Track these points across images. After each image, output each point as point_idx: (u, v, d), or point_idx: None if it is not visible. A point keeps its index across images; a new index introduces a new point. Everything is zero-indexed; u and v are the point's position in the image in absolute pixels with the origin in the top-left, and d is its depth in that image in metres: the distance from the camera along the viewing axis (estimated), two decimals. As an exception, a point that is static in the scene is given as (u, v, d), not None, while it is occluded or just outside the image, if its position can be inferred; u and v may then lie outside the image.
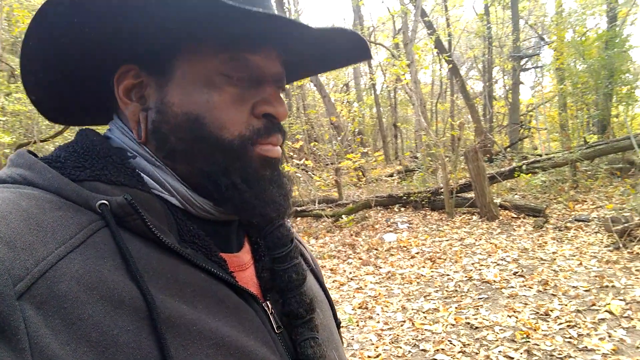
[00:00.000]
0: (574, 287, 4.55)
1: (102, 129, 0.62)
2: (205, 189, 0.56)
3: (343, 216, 8.70)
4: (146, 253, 0.48)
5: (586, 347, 3.34)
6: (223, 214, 0.59)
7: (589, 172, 9.49)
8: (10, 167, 0.53)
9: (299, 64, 0.67)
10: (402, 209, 9.21)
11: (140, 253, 0.48)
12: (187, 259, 0.51)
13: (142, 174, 0.56)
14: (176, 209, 0.56)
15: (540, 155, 10.26)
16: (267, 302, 0.59)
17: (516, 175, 8.98)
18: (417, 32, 11.25)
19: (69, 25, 0.50)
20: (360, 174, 11.78)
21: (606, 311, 3.88)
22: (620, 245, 5.45)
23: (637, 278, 4.52)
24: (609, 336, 3.45)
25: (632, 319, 3.68)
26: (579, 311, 3.97)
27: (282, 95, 0.61)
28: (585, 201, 8.02)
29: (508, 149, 13.00)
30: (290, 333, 0.59)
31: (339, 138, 10.65)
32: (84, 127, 0.60)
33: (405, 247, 6.89)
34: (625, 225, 5.63)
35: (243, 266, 0.61)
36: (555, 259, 5.47)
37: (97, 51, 0.54)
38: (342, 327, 3.65)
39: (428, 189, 9.14)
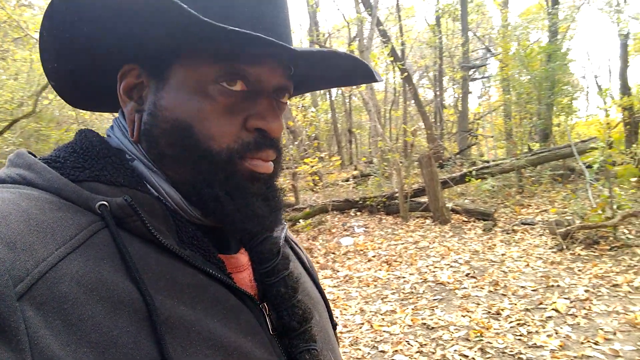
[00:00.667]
0: (522, 287, 4.76)
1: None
2: (192, 199, 0.56)
3: (300, 220, 8.70)
4: (145, 254, 0.48)
5: (535, 344, 3.51)
6: (213, 222, 0.59)
7: (533, 178, 9.98)
8: (9, 167, 0.53)
9: (307, 77, 0.66)
10: (358, 213, 9.34)
11: (139, 254, 0.48)
12: (185, 260, 0.51)
13: (141, 176, 0.56)
14: (174, 211, 0.56)
15: (489, 162, 10.71)
16: (265, 304, 0.59)
17: (467, 181, 9.32)
18: (372, 40, 11.47)
19: (69, 23, 0.50)
20: (317, 178, 11.84)
21: (553, 309, 4.09)
22: (564, 247, 5.77)
23: (580, 278, 4.80)
24: (556, 333, 3.65)
25: (576, 316, 3.90)
26: (527, 310, 4.17)
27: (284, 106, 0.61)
28: (530, 205, 8.43)
29: (457, 155, 13.46)
30: (287, 344, 0.58)
31: (295, 142, 10.66)
32: (82, 128, 0.60)
33: (362, 250, 6.98)
34: (568, 228, 5.97)
35: (240, 267, 0.61)
36: (504, 261, 5.71)
37: (99, 49, 0.54)
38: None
39: (383, 194, 9.32)
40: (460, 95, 17.01)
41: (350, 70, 0.62)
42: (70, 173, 0.52)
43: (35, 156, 0.54)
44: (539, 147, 11.19)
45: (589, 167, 7.20)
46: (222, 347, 0.48)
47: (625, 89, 13.57)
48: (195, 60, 0.53)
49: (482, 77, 20.23)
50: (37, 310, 0.39)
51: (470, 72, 17.33)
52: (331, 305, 0.75)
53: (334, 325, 0.75)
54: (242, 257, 0.63)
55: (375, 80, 0.64)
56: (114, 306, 0.43)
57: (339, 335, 4.04)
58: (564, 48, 12.87)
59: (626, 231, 5.91)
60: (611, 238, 5.72)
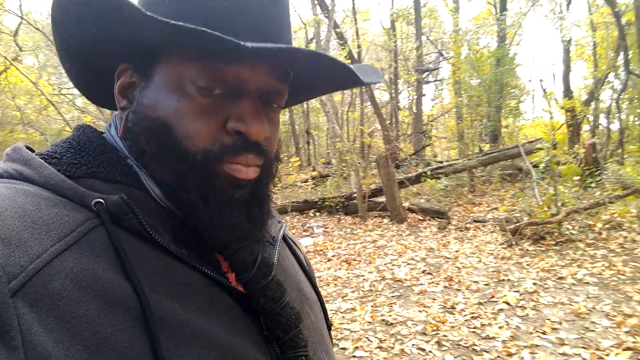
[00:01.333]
0: (475, 281, 4.96)
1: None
2: (171, 199, 0.55)
3: (259, 222, 8.66)
4: (141, 252, 0.48)
5: (488, 335, 3.67)
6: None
7: (484, 178, 10.39)
8: (6, 161, 0.53)
9: (307, 81, 0.63)
10: (317, 213, 9.41)
11: (135, 252, 0.47)
12: (181, 259, 0.51)
13: (138, 173, 0.55)
14: (169, 209, 0.55)
15: (442, 162, 11.05)
16: None
17: (422, 181, 9.59)
18: (329, 42, 11.61)
19: (63, 23, 0.51)
20: (276, 179, 11.81)
21: (504, 302, 4.29)
22: (513, 243, 6.04)
23: (528, 272, 5.05)
24: (507, 324, 3.83)
25: (525, 308, 4.11)
26: (480, 303, 4.35)
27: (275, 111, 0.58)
28: (482, 204, 8.77)
29: (413, 156, 13.79)
30: (279, 351, 0.57)
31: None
32: (81, 123, 0.60)
33: (321, 250, 7.04)
34: (517, 224, 6.25)
35: None
36: (458, 257, 5.92)
37: (90, 47, 0.55)
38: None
39: (342, 194, 9.43)
40: (415, 98, 17.43)
41: (339, 73, 0.56)
42: (67, 169, 0.51)
43: (33, 151, 0.54)
44: (489, 148, 11.67)
45: (536, 166, 7.57)
46: (216, 347, 0.48)
47: (567, 92, 14.35)
48: (176, 58, 0.52)
49: (435, 80, 20.83)
50: (31, 307, 0.39)
51: (424, 75, 17.79)
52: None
53: (329, 326, 0.74)
54: None
55: (360, 84, 0.58)
56: (108, 304, 0.42)
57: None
58: (511, 53, 13.45)
59: (570, 227, 6.25)
60: (556, 233, 6.04)
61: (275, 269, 0.61)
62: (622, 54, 11.41)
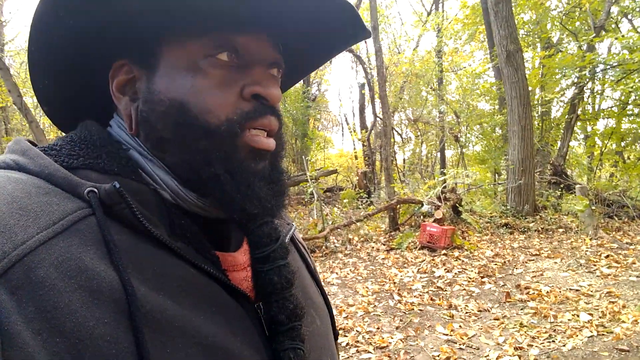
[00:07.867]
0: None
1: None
2: (190, 182, 0.54)
3: None
4: (133, 244, 0.46)
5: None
6: (213, 209, 0.56)
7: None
8: (7, 153, 0.52)
9: (302, 53, 0.65)
10: None
11: (126, 243, 0.46)
12: (177, 252, 0.49)
13: (137, 164, 0.55)
14: (169, 203, 0.54)
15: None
16: (260, 304, 0.56)
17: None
18: None
19: (56, 22, 0.51)
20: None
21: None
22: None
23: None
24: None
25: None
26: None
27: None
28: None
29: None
30: (273, 341, 0.54)
31: None
32: (87, 121, 0.59)
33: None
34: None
35: (238, 266, 0.58)
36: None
37: (89, 46, 0.55)
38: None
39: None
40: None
41: (337, 18, 0.56)
42: (64, 160, 0.51)
43: (35, 145, 0.54)
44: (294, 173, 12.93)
45: (327, 191, 8.78)
46: (207, 346, 0.46)
47: (363, 127, 16.65)
48: (181, 37, 0.52)
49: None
50: (11, 294, 0.38)
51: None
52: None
53: (336, 335, 0.72)
54: (241, 256, 0.60)
55: (365, 34, 0.60)
56: (93, 295, 0.40)
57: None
58: (314, 89, 15.17)
59: (335, 241, 7.52)
60: (324, 247, 7.23)
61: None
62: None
